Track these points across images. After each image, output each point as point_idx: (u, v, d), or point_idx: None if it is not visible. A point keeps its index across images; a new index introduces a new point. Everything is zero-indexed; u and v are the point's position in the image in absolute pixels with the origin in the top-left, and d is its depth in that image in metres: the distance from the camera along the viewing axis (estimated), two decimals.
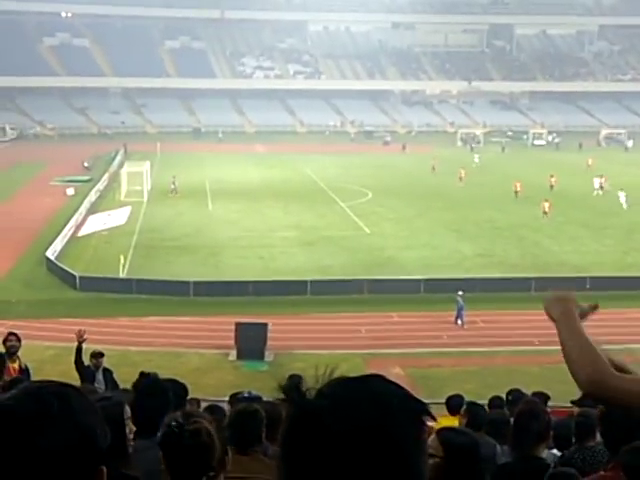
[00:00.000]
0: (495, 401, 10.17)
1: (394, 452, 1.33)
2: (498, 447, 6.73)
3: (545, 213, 44.95)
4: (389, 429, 1.34)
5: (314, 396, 1.41)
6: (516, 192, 50.57)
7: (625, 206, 47.84)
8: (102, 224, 42.35)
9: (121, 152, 69.05)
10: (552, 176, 53.71)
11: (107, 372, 13.11)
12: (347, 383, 1.42)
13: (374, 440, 1.32)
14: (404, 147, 78.00)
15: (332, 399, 1.39)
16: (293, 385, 1.43)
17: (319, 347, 25.23)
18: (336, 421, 1.34)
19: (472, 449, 4.22)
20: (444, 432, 4.53)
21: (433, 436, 4.44)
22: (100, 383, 12.59)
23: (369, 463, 1.32)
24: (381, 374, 1.48)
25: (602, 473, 3.58)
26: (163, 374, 6.51)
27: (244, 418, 4.63)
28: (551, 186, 52.79)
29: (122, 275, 32.57)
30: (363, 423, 1.33)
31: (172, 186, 51.55)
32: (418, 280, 31.51)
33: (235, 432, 4.45)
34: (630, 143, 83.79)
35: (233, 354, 24.78)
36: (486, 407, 9.21)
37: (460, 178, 56.76)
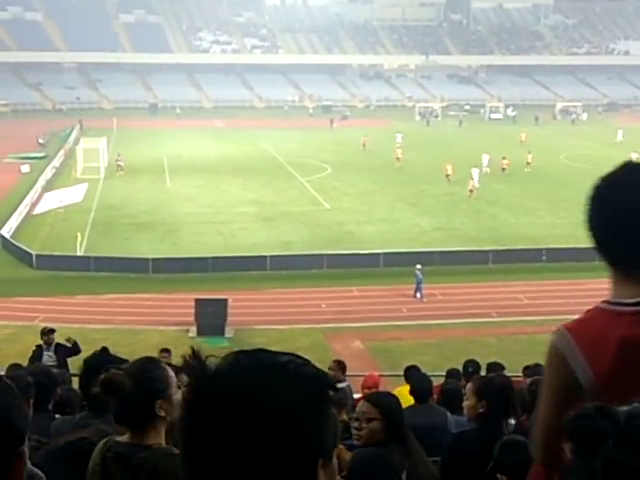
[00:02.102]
0: (452, 372, 10.35)
1: (291, 424, 1.33)
2: (449, 415, 6.86)
3: (471, 191, 43.53)
4: (286, 400, 1.34)
5: (215, 365, 1.41)
6: (447, 175, 47.70)
7: None
8: (58, 201, 41.81)
9: (76, 128, 68.01)
10: (504, 158, 50.47)
11: (60, 348, 13.05)
12: (250, 354, 1.42)
13: (271, 409, 1.32)
14: (332, 122, 75.73)
15: (233, 367, 1.39)
16: (194, 354, 1.43)
17: (279, 322, 25.34)
18: (235, 388, 1.34)
19: (401, 407, 4.41)
20: (374, 396, 4.70)
21: (364, 402, 4.60)
22: (50, 360, 12.57)
23: (266, 432, 1.31)
24: (293, 353, 1.48)
25: None
26: (122, 352, 6.52)
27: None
28: (503, 169, 49.99)
29: (79, 253, 32.26)
30: (260, 391, 1.33)
31: (118, 164, 50.81)
32: (377, 254, 31.70)
33: None
34: (584, 116, 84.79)
35: (193, 330, 24.76)
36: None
37: (397, 158, 53.62)
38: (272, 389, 1.34)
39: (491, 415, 5.08)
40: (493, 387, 5.18)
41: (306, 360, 1.44)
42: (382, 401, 4.47)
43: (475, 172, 46.10)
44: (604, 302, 2.23)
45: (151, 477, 3.05)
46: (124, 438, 3.27)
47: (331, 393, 1.43)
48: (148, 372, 3.30)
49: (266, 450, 1.31)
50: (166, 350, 12.58)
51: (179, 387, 3.36)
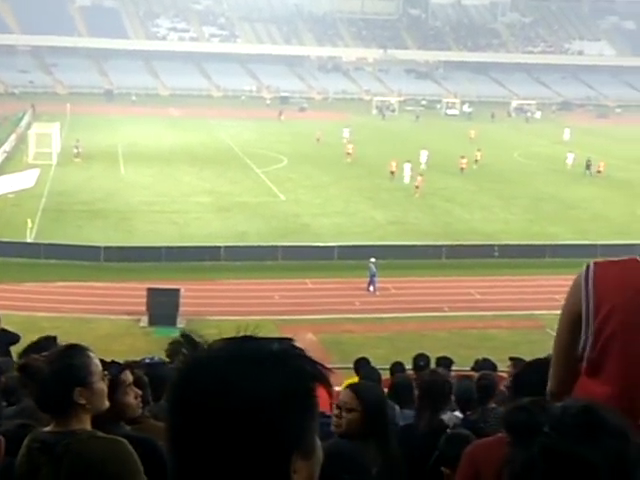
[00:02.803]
0: (396, 367, 10.43)
1: (261, 417, 1.33)
2: (397, 409, 6.92)
3: (417, 187, 42.87)
4: (257, 393, 1.34)
5: (207, 349, 1.42)
6: (392, 172, 46.65)
7: None
8: (9, 187, 41.01)
9: (29, 112, 66.83)
10: (463, 157, 49.67)
11: (3, 334, 12.85)
12: (236, 343, 1.43)
13: (240, 403, 1.33)
14: (280, 113, 75.28)
15: (229, 353, 1.40)
16: (186, 337, 1.44)
17: (232, 313, 25.22)
18: (209, 381, 1.35)
19: (384, 400, 4.37)
20: (357, 386, 4.65)
21: (346, 390, 4.56)
22: None
23: (234, 425, 1.33)
24: (290, 338, 1.48)
25: (500, 435, 3.72)
26: (71, 340, 6.41)
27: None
28: (461, 168, 49.09)
29: (30, 239, 31.73)
30: (232, 384, 1.34)
31: (75, 150, 50.04)
32: (332, 247, 31.77)
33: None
34: (538, 114, 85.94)
35: (145, 320, 24.57)
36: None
37: (348, 153, 53.05)
38: (244, 381, 1.34)
39: (422, 409, 5.20)
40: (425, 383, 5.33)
41: (297, 350, 1.43)
42: (364, 392, 4.38)
43: (407, 167, 45.93)
44: None
45: (76, 462, 3.03)
46: (49, 427, 3.23)
47: (314, 386, 1.42)
48: (69, 358, 3.23)
49: (235, 442, 1.33)
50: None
51: (104, 378, 3.33)
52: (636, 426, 1.65)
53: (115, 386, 3.97)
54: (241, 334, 1.45)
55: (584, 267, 2.41)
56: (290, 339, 1.47)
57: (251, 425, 1.33)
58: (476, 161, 51.44)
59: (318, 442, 1.45)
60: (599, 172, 49.67)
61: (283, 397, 1.36)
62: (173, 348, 6.34)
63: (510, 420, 2.04)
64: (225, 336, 1.46)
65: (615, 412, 1.59)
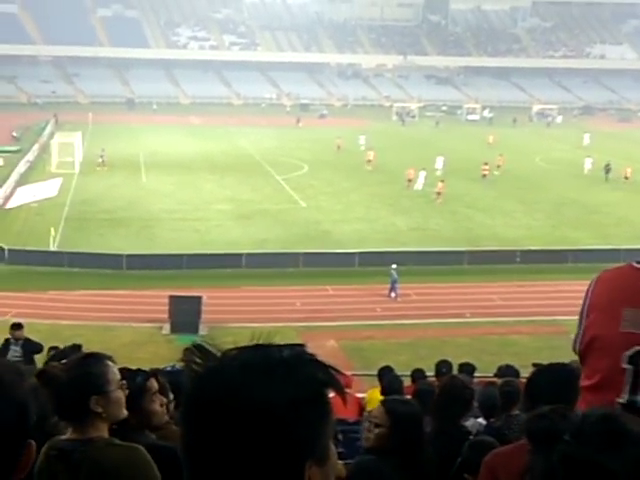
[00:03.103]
0: (417, 373, 10.40)
1: (272, 425, 1.33)
2: None
3: (438, 194, 42.64)
4: (268, 400, 1.34)
5: (219, 358, 1.42)
6: (409, 180, 46.40)
7: None
8: (32, 196, 41.40)
9: (52, 122, 67.44)
10: (485, 164, 49.23)
11: (28, 343, 13.01)
12: (249, 350, 1.42)
13: (251, 410, 1.33)
14: (298, 120, 75.50)
15: (240, 362, 1.39)
16: (198, 347, 1.44)
17: (254, 320, 25.24)
18: (221, 388, 1.35)
19: (416, 417, 4.33)
20: (389, 402, 4.64)
21: (378, 405, 4.57)
22: (16, 355, 12.59)
23: (247, 434, 1.32)
24: (302, 343, 1.49)
25: (520, 442, 3.70)
26: (94, 348, 6.46)
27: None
28: (483, 175, 48.68)
29: (53, 248, 31.98)
30: (243, 392, 1.33)
31: (100, 159, 50.49)
32: (353, 253, 31.75)
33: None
34: (559, 119, 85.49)
35: (167, 328, 24.64)
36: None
37: (369, 161, 52.36)
38: (255, 389, 1.34)
39: (441, 414, 5.20)
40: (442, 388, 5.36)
41: (309, 355, 1.43)
42: (394, 409, 4.39)
43: (422, 175, 46.01)
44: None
45: (92, 469, 3.04)
46: (66, 435, 3.24)
47: (326, 392, 1.41)
48: (86, 366, 3.25)
49: (248, 451, 1.33)
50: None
51: (122, 387, 3.33)
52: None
53: (141, 394, 3.99)
54: (254, 342, 1.45)
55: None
56: (302, 345, 1.47)
57: (263, 433, 1.33)
58: (498, 166, 51.05)
59: (333, 448, 1.44)
60: (626, 178, 49.00)
61: (294, 404, 1.35)
62: (185, 355, 6.33)
63: (531, 428, 2.05)
64: (242, 344, 1.47)
65: (635, 419, 1.60)
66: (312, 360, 1.42)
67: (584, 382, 2.67)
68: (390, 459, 4.19)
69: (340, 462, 4.63)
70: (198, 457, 1.37)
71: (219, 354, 1.43)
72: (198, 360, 1.42)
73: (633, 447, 1.50)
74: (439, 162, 50.11)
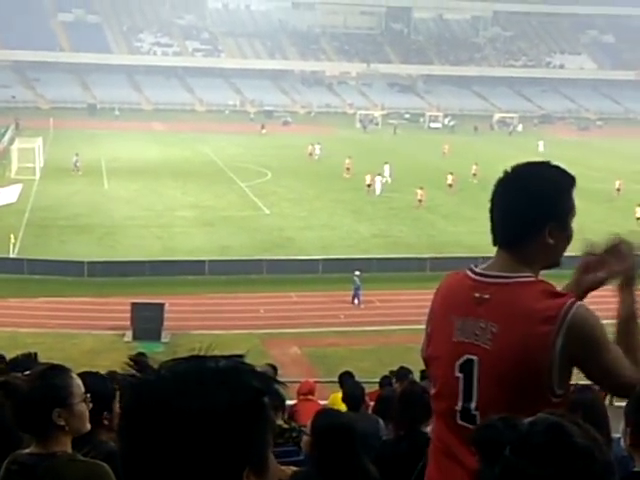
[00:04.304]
0: (385, 380, 10.44)
1: (208, 433, 1.34)
2: (381, 422, 6.92)
3: (420, 202, 43.00)
4: (204, 408, 1.34)
5: (156, 370, 1.43)
6: (368, 185, 46.95)
7: None
8: None
9: (12, 127, 66.56)
10: (451, 173, 48.92)
11: None
12: (185, 361, 1.43)
13: (188, 418, 1.33)
14: (262, 127, 75.33)
15: (175, 372, 1.40)
16: (137, 359, 1.45)
17: (217, 327, 25.17)
18: (176, 396, 1.35)
19: (338, 428, 4.38)
20: (318, 414, 4.71)
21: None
22: None
23: (183, 441, 1.33)
24: (241, 354, 1.49)
25: None
26: (55, 356, 6.42)
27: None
28: (449, 185, 48.29)
29: (13, 255, 31.55)
30: (179, 401, 1.34)
31: (74, 164, 50.16)
32: (316, 260, 31.79)
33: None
34: (520, 127, 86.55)
35: (129, 335, 24.45)
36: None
37: (347, 169, 52.21)
38: (189, 398, 1.34)
39: (401, 421, 5.26)
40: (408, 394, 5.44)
41: (246, 366, 1.43)
42: (316, 419, 4.48)
43: (378, 180, 47.03)
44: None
45: None
46: (29, 449, 3.18)
47: (266, 401, 1.41)
48: (50, 379, 3.19)
49: (184, 461, 1.33)
50: None
51: (86, 400, 3.28)
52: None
53: (114, 397, 3.96)
54: (194, 353, 1.45)
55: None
56: (240, 355, 1.47)
57: (198, 443, 1.33)
58: (474, 175, 51.10)
59: (272, 458, 1.44)
60: (618, 190, 48.89)
61: (228, 413, 1.35)
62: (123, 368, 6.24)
63: (477, 437, 2.07)
64: (209, 350, 1.48)
65: (585, 429, 1.57)
66: (248, 370, 1.43)
67: (430, 390, 2.77)
68: (317, 466, 4.31)
69: (290, 467, 4.69)
70: (135, 469, 1.37)
71: (156, 367, 1.43)
72: (135, 373, 1.42)
73: (577, 460, 1.48)
74: (386, 170, 49.79)
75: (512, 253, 2.69)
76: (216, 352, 1.47)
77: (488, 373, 2.52)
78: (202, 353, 1.46)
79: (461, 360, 2.57)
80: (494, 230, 2.82)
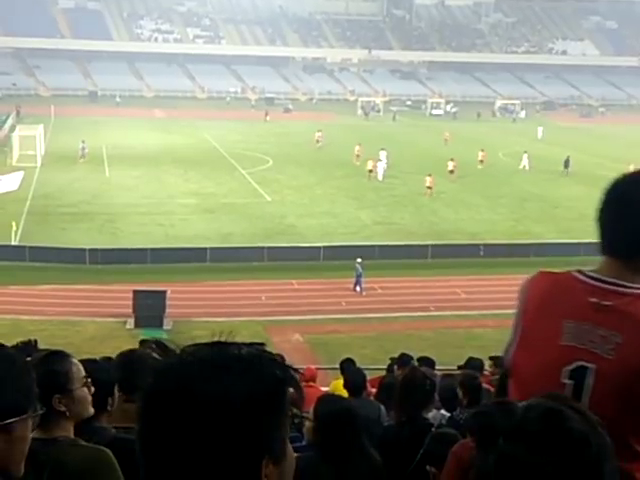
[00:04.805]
0: (391, 367, 10.46)
1: (228, 421, 1.34)
2: (382, 408, 6.94)
3: (429, 188, 42.97)
4: (225, 396, 1.34)
5: (178, 354, 1.43)
6: (370, 171, 47.27)
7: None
8: None
9: (13, 115, 66.47)
10: (452, 159, 48.06)
11: None
12: (207, 348, 1.43)
13: (208, 406, 1.33)
14: (266, 114, 74.75)
15: (197, 357, 1.40)
16: (158, 343, 1.46)
17: (218, 314, 25.22)
18: (198, 382, 1.35)
19: (339, 414, 4.40)
20: (320, 400, 4.72)
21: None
22: None
23: (203, 429, 1.33)
24: (262, 342, 1.49)
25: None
26: (58, 343, 6.43)
27: (132, 362, 4.16)
28: (451, 171, 47.78)
29: (14, 242, 31.57)
30: (201, 388, 1.34)
31: (81, 151, 50.15)
32: (318, 247, 31.78)
33: (123, 377, 3.96)
34: (522, 114, 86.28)
35: (131, 322, 24.50)
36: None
37: (357, 155, 51.46)
38: (211, 384, 1.34)
39: (402, 406, 5.28)
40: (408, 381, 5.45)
41: (268, 354, 1.44)
42: (318, 405, 4.50)
43: (380, 165, 47.47)
44: None
45: (57, 470, 3.01)
46: (32, 434, 3.21)
47: (287, 391, 1.42)
48: (49, 364, 3.19)
49: (204, 446, 1.33)
50: None
51: (85, 384, 3.28)
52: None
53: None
54: (215, 339, 1.45)
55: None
56: (262, 344, 1.47)
57: (219, 428, 1.33)
58: (481, 161, 52.06)
59: (290, 447, 1.44)
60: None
61: (250, 402, 1.35)
62: (141, 346, 6.27)
63: (472, 424, 2.04)
64: (206, 339, 1.48)
65: (581, 412, 1.56)
66: (270, 358, 1.43)
67: (515, 395, 2.55)
68: (320, 451, 4.32)
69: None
70: (154, 453, 1.37)
71: (178, 351, 1.43)
72: (157, 356, 1.42)
73: (572, 446, 1.46)
74: (382, 156, 49.32)
75: (629, 263, 2.52)
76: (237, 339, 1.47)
77: (607, 384, 2.39)
78: (223, 339, 1.46)
79: (572, 366, 2.42)
80: (605, 237, 2.58)
